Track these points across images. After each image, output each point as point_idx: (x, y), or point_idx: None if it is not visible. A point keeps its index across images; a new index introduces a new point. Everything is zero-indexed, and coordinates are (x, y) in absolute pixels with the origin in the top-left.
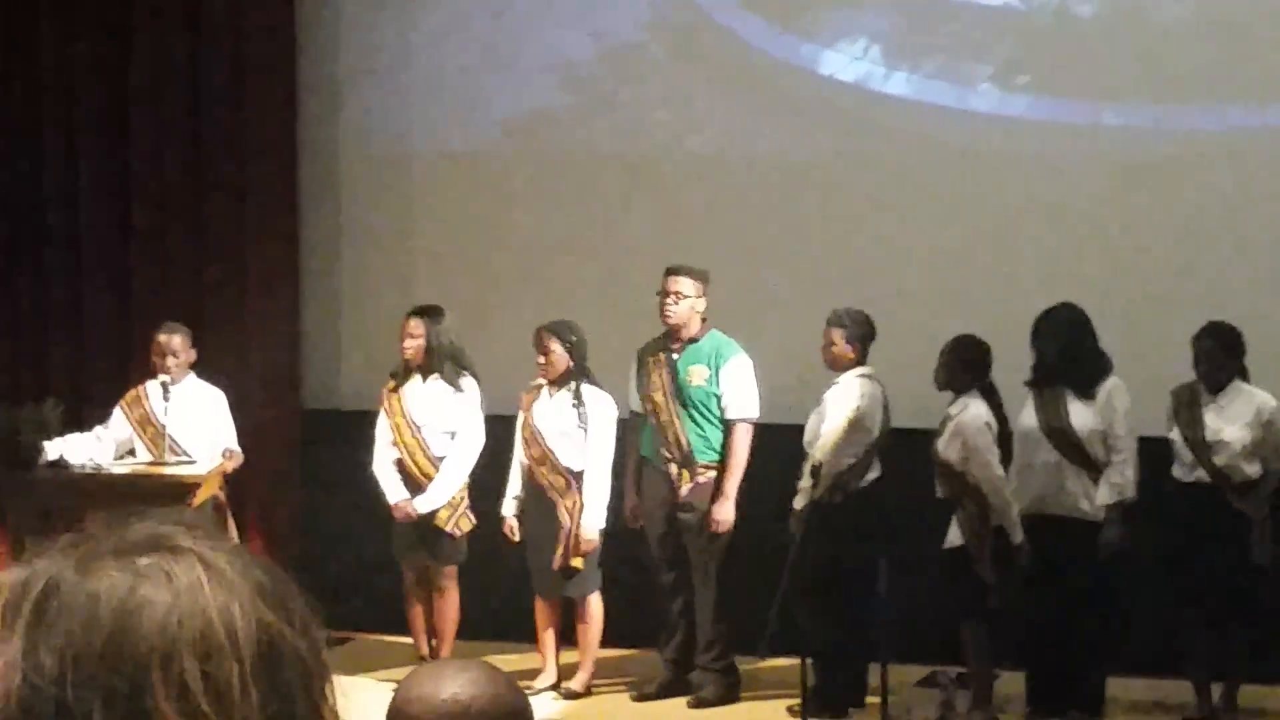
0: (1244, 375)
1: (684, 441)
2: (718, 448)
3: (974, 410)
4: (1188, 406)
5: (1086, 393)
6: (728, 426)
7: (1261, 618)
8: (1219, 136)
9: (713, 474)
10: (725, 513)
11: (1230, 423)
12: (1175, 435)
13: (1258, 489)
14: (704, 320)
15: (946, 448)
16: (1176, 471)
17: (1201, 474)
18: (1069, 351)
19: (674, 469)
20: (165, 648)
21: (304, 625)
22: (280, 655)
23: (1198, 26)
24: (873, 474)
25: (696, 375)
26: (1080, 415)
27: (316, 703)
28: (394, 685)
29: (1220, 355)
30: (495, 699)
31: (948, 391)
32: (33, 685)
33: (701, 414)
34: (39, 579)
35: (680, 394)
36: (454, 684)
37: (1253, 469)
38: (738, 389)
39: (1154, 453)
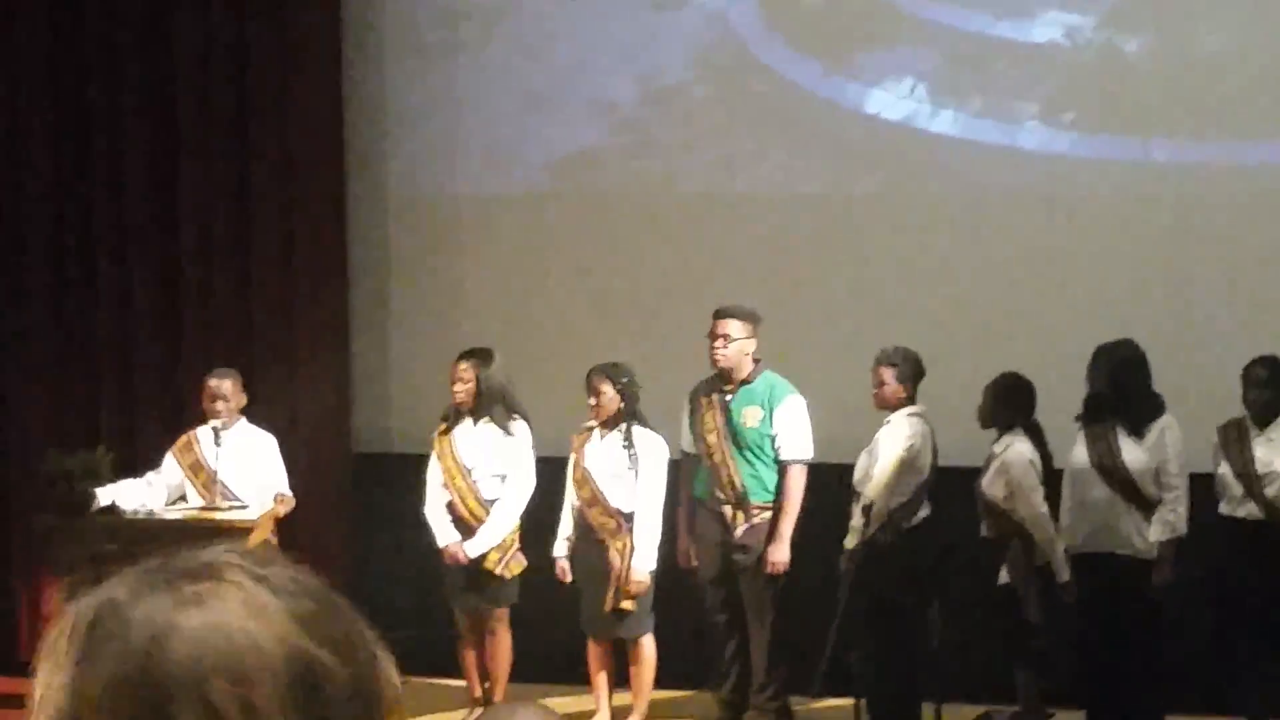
0: None
1: (738, 483)
2: (772, 488)
3: (1018, 448)
4: (1237, 440)
5: (1138, 430)
6: (782, 467)
7: None
8: (1268, 170)
9: (767, 515)
10: (781, 554)
11: None
12: (1224, 470)
13: None
14: (756, 361)
15: (991, 485)
16: (1224, 508)
17: (1251, 508)
18: (1122, 388)
19: (728, 510)
20: (192, 675)
21: (352, 650)
22: (318, 682)
23: (1244, 59)
24: (923, 513)
25: (750, 417)
26: (1132, 453)
27: None
28: None
29: (1269, 387)
30: None
31: (992, 430)
32: (74, 714)
33: (756, 455)
34: (92, 607)
35: (735, 435)
36: None
37: None
38: (792, 430)
39: (1202, 489)
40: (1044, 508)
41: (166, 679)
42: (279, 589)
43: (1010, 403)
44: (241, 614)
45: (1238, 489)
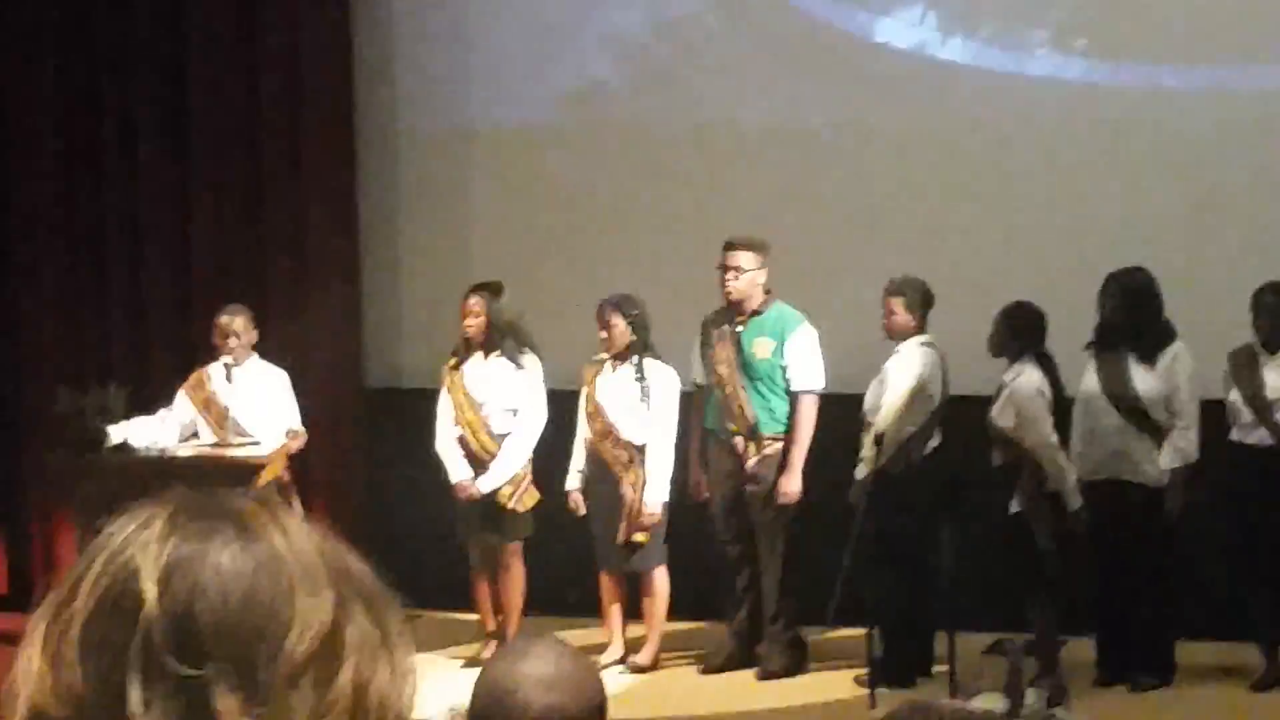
0: None
1: (750, 414)
2: (783, 419)
3: (1027, 377)
4: (1247, 366)
5: (1150, 357)
6: (793, 398)
7: None
8: (1278, 95)
9: (779, 446)
10: (792, 485)
11: None
12: (1234, 396)
13: None
14: (767, 292)
15: (1000, 415)
16: (1235, 434)
17: (1262, 435)
18: (1133, 316)
19: (740, 441)
20: (228, 624)
21: (380, 610)
22: (343, 638)
23: None
24: (934, 442)
25: (761, 348)
26: (1143, 380)
27: (365, 682)
28: (462, 661)
29: (1278, 313)
30: (571, 680)
31: (1003, 358)
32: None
33: (767, 386)
34: (113, 551)
35: (746, 367)
36: (531, 671)
37: None
38: (803, 361)
39: (1213, 416)
40: (1052, 436)
41: (199, 629)
42: (312, 539)
43: (1020, 331)
44: (282, 562)
45: (1248, 415)
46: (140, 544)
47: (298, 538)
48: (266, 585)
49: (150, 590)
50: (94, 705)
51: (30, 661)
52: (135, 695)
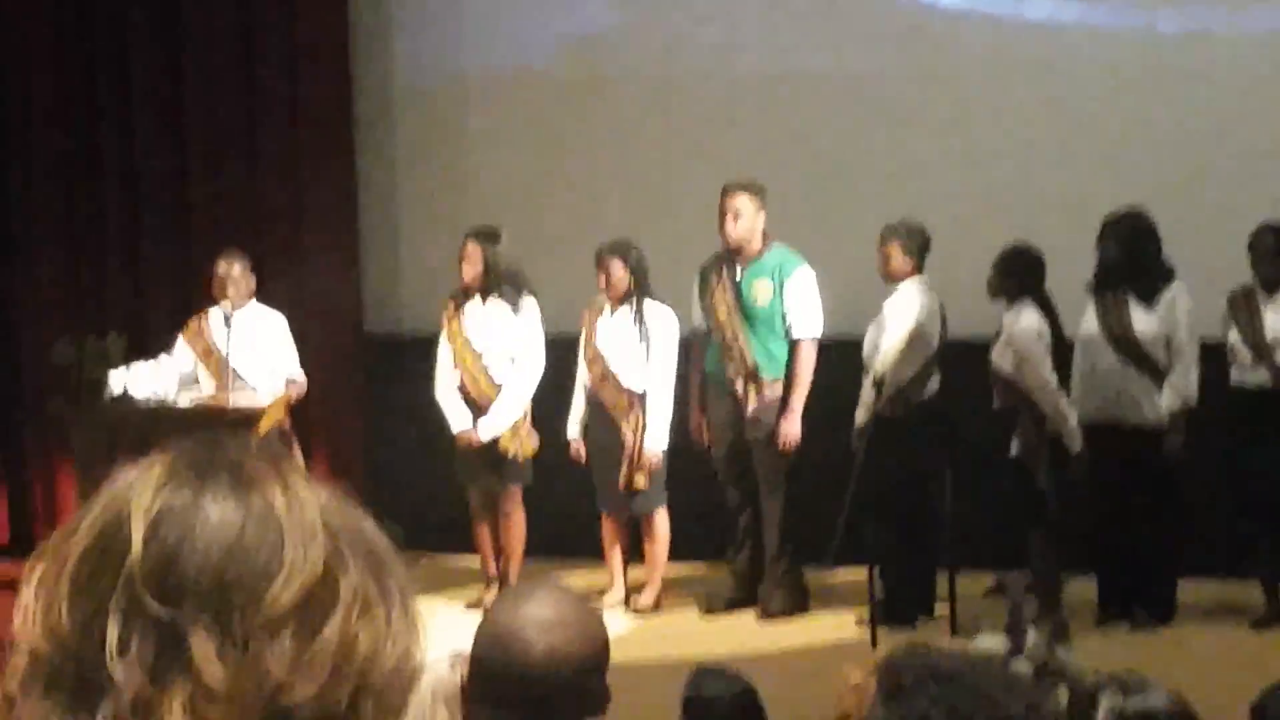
0: None
1: (749, 358)
2: (782, 363)
3: (1026, 319)
4: (1245, 308)
5: (1149, 298)
6: (793, 342)
7: None
8: (1275, 38)
9: (778, 389)
10: (793, 428)
11: None
12: (1234, 337)
13: None
14: (766, 235)
15: (1000, 357)
16: (1235, 375)
17: (1262, 375)
18: (1133, 257)
19: (740, 385)
20: (210, 571)
21: (381, 567)
22: (335, 591)
23: None
24: (934, 385)
25: (761, 292)
26: (1143, 321)
27: (353, 636)
28: (464, 604)
29: (1276, 254)
30: (574, 625)
31: (1002, 300)
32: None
33: (766, 330)
34: (113, 500)
35: (745, 311)
36: (534, 613)
37: None
38: (802, 305)
39: (1214, 357)
40: (1052, 378)
41: (184, 580)
42: (315, 495)
43: (1019, 273)
44: (275, 515)
45: (1248, 356)
46: (137, 490)
47: (298, 492)
48: (254, 536)
49: (138, 534)
50: (77, 645)
51: (27, 601)
52: (113, 634)
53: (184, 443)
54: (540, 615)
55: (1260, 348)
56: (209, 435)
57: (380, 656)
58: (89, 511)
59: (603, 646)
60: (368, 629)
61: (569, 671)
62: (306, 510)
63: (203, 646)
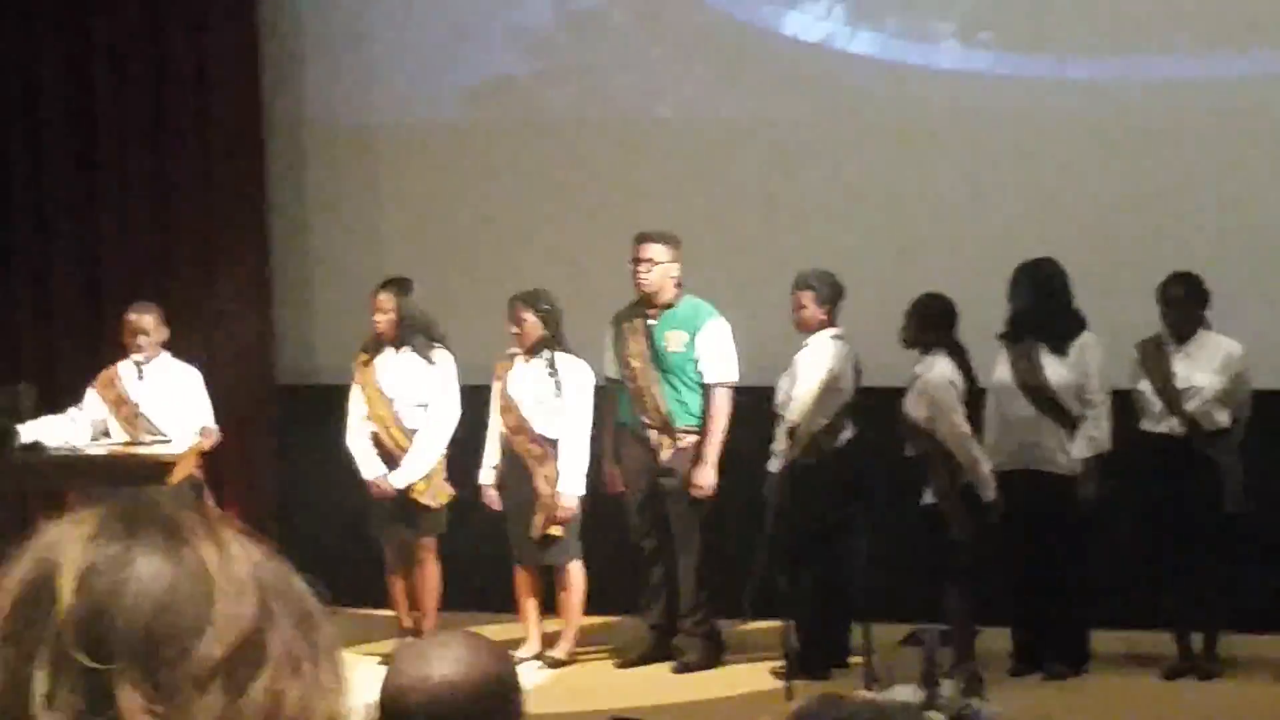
0: (1207, 324)
1: (663, 407)
2: (697, 412)
3: (939, 368)
4: (1155, 356)
5: (1060, 348)
6: (706, 391)
7: (1237, 566)
8: (1186, 86)
9: (692, 439)
10: (707, 477)
11: (1200, 369)
12: (1144, 386)
13: (1228, 436)
14: (679, 285)
15: (913, 406)
16: (1145, 424)
17: (1172, 424)
18: (1044, 306)
19: (654, 435)
20: (139, 624)
21: (310, 625)
22: (265, 649)
23: None
24: (847, 434)
25: (674, 341)
26: (1055, 370)
27: (280, 692)
28: (378, 659)
29: (1187, 303)
30: (484, 673)
31: (915, 350)
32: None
33: (680, 379)
34: (38, 558)
35: (658, 360)
36: (442, 664)
37: (1222, 417)
38: (716, 353)
39: (1124, 406)
40: (965, 427)
41: (115, 631)
42: (248, 553)
43: (932, 323)
44: (206, 570)
45: (1158, 404)
46: (66, 542)
47: (230, 549)
48: (185, 591)
49: (67, 586)
50: (4, 699)
51: None
52: (41, 687)
53: (114, 496)
54: (446, 664)
55: (1170, 396)
56: (135, 490)
57: (308, 714)
58: (16, 565)
59: (510, 692)
60: (296, 686)
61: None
62: (238, 566)
63: (130, 700)
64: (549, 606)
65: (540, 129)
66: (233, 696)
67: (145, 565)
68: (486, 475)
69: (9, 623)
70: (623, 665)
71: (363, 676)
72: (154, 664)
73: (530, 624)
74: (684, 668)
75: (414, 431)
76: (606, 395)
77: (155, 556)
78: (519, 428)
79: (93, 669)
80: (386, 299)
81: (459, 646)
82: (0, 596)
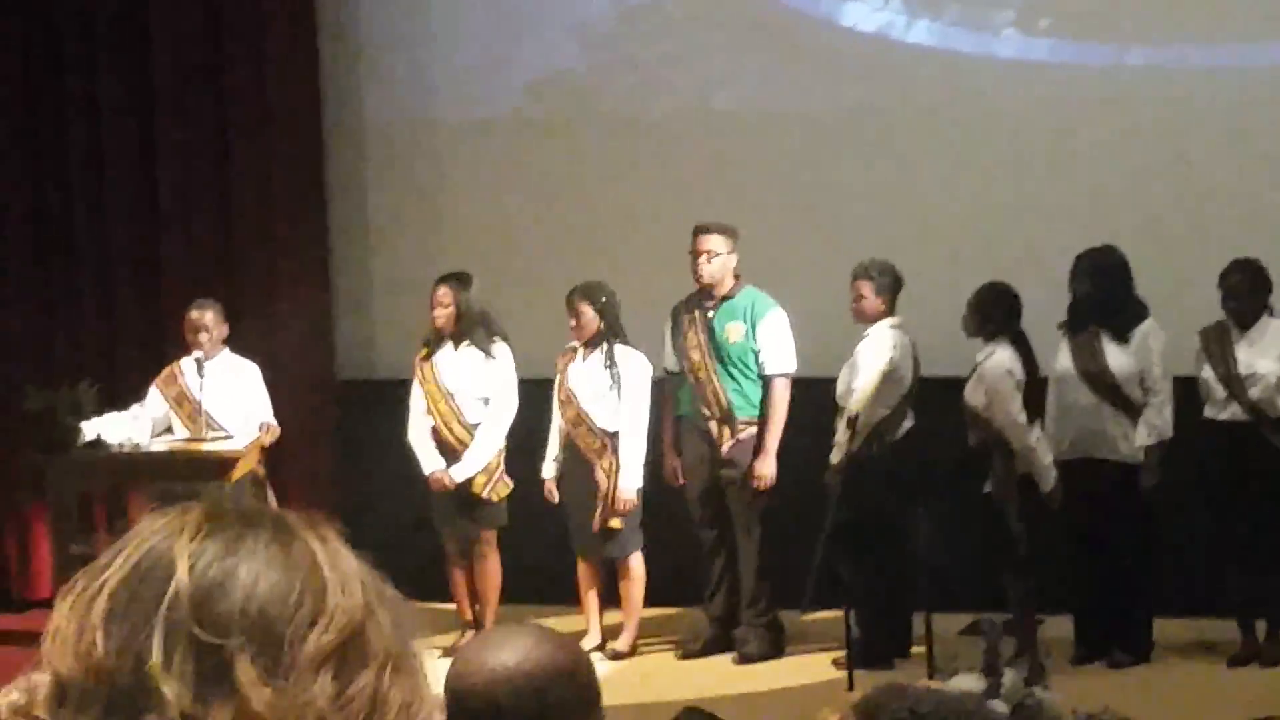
0: (1271, 310)
1: (723, 399)
2: (756, 403)
3: (998, 357)
4: (1218, 343)
5: (1122, 335)
6: (766, 382)
7: None
8: (1248, 72)
9: (753, 430)
10: (767, 468)
11: (1263, 356)
12: (1207, 373)
13: None
14: (737, 276)
15: (972, 394)
16: (1208, 410)
17: (1235, 411)
18: (1105, 294)
19: (714, 426)
20: (256, 604)
21: (398, 621)
22: (367, 643)
23: None
24: (907, 424)
25: (733, 332)
26: (1116, 358)
27: (385, 689)
28: (439, 651)
29: (1248, 290)
30: (550, 662)
31: (976, 339)
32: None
33: (740, 370)
34: (144, 550)
35: (718, 351)
36: (505, 652)
37: None
38: (775, 344)
39: (1187, 393)
40: (1021, 416)
41: (224, 600)
42: (345, 546)
43: (994, 312)
44: (324, 568)
45: (1221, 392)
46: (176, 529)
47: (335, 547)
48: (298, 579)
49: (183, 563)
50: (112, 668)
51: (55, 629)
52: (157, 649)
53: (215, 496)
54: (507, 655)
55: (1233, 383)
56: (178, 480)
57: (409, 713)
58: (121, 548)
59: (582, 685)
60: (397, 685)
61: (556, 713)
62: (345, 563)
63: (248, 673)
64: (610, 599)
65: (598, 123)
66: (342, 685)
67: (257, 552)
68: (548, 468)
69: (116, 597)
70: (685, 656)
71: (431, 670)
72: (269, 644)
73: (591, 616)
74: (746, 658)
75: (475, 425)
76: (666, 387)
77: (268, 546)
78: (578, 420)
79: (208, 643)
80: (445, 293)
81: (524, 637)
82: (106, 574)
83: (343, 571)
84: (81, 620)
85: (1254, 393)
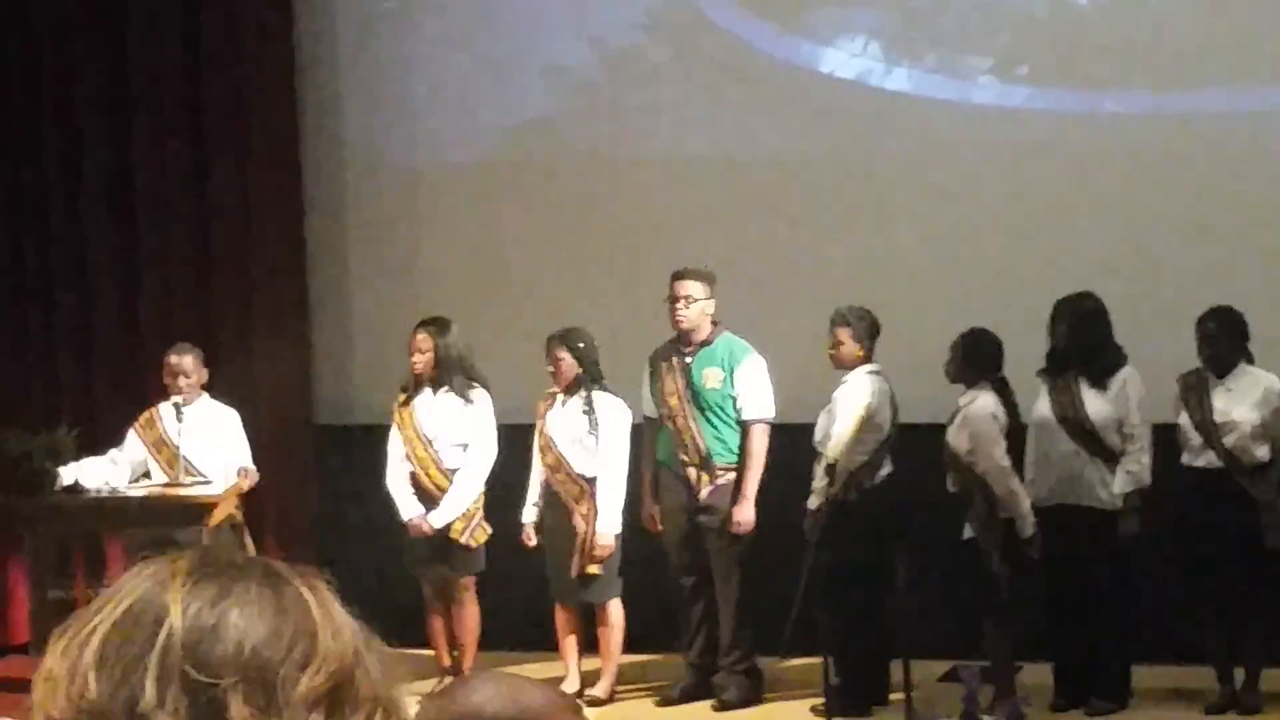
0: (1249, 358)
1: (701, 445)
2: (735, 449)
3: (981, 401)
4: (1195, 390)
5: (1100, 382)
6: (744, 428)
7: (1278, 602)
8: (1221, 120)
9: (731, 476)
10: (746, 514)
11: (1238, 404)
12: (1184, 420)
13: (1268, 471)
14: (715, 323)
15: (955, 438)
16: (1185, 457)
17: (1210, 458)
18: (1084, 340)
19: (692, 472)
20: (248, 646)
21: (384, 667)
22: (356, 687)
23: (1196, 8)
24: (885, 470)
25: (711, 378)
26: (1095, 404)
27: None
28: (418, 698)
29: (1225, 338)
30: (525, 708)
31: (960, 385)
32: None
33: (718, 416)
34: (134, 597)
35: (696, 397)
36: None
37: (1262, 451)
38: (753, 390)
39: (1166, 440)
40: (1005, 461)
41: (216, 642)
42: (332, 594)
43: (977, 358)
44: (315, 613)
45: (1197, 439)
46: (167, 575)
47: (323, 594)
48: (291, 621)
49: (176, 607)
50: (106, 712)
51: (47, 673)
52: (150, 689)
53: (204, 545)
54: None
55: (1209, 431)
56: (155, 525)
57: None
58: (112, 595)
59: None
60: None
61: None
62: (334, 609)
63: (241, 711)
64: (589, 645)
65: (576, 168)
66: None
67: (249, 597)
68: (528, 513)
69: (112, 640)
70: (663, 703)
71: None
72: (262, 685)
73: (570, 662)
74: (724, 705)
75: (453, 471)
76: (644, 433)
77: (258, 590)
78: (557, 466)
79: (202, 682)
80: (424, 339)
81: (500, 683)
82: (97, 619)
83: (333, 617)
84: (73, 664)
85: (1229, 440)
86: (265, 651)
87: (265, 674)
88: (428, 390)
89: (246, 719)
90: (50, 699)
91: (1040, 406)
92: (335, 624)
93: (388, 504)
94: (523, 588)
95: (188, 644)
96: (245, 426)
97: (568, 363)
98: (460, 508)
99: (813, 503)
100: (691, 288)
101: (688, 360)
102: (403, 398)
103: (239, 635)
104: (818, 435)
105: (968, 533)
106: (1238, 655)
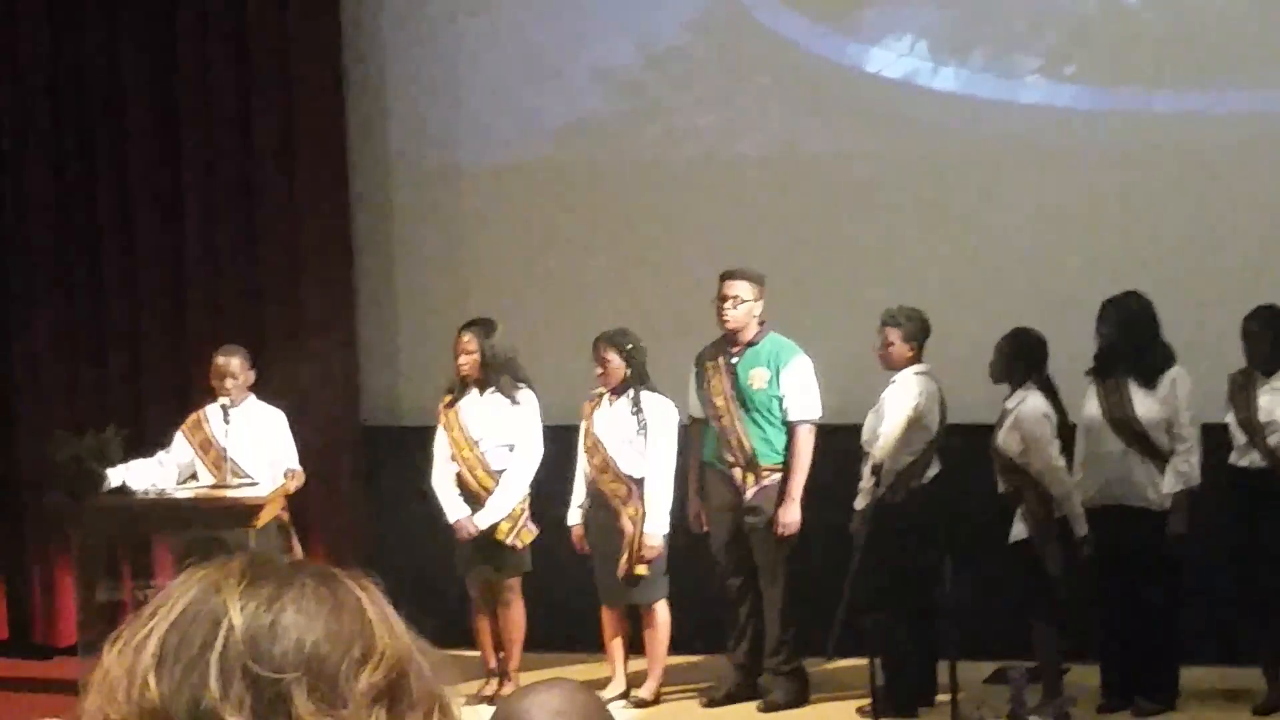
0: None
1: (747, 445)
2: (781, 450)
3: (1032, 402)
4: (1242, 390)
5: (1150, 382)
6: (790, 428)
7: None
8: (1273, 117)
9: (777, 476)
10: (792, 515)
11: None
12: (1231, 419)
13: None
14: (761, 323)
15: (1005, 440)
16: (1233, 457)
17: (1255, 457)
18: (1133, 340)
19: (738, 473)
20: (308, 641)
21: (436, 667)
22: (410, 686)
23: (1249, 5)
24: (933, 471)
25: (757, 378)
26: (1144, 404)
27: None
28: (464, 699)
29: (1269, 338)
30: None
31: (1005, 385)
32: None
33: (764, 417)
34: (190, 597)
35: (741, 398)
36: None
37: None
38: (799, 390)
39: (1217, 440)
40: (1060, 460)
41: (277, 638)
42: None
43: (1023, 358)
44: (362, 607)
45: (1242, 437)
46: (221, 577)
47: (376, 595)
48: (347, 618)
49: (234, 606)
50: (165, 708)
51: (104, 676)
52: (214, 683)
53: (254, 550)
54: (548, 704)
55: (1253, 430)
56: (202, 526)
57: None
58: (164, 599)
59: None
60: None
61: None
62: (388, 609)
63: (306, 704)
64: (635, 646)
65: (625, 168)
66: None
67: (305, 596)
68: (574, 515)
69: (165, 644)
70: (709, 704)
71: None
72: (323, 680)
73: (616, 663)
74: (770, 706)
75: (499, 472)
76: (691, 434)
77: (315, 590)
78: (604, 467)
79: (265, 677)
80: (470, 340)
81: (555, 687)
82: (153, 621)
83: (386, 615)
84: (131, 666)
85: (1273, 439)
86: (325, 648)
87: (326, 670)
88: (474, 391)
89: (312, 713)
90: (109, 700)
91: (1089, 407)
92: (389, 622)
93: (434, 505)
94: (568, 588)
95: (248, 641)
96: (292, 428)
97: (615, 363)
98: (506, 509)
99: (859, 503)
100: (740, 288)
101: (734, 361)
102: (448, 399)
103: (298, 632)
104: (865, 435)
105: (1016, 534)
106: None
